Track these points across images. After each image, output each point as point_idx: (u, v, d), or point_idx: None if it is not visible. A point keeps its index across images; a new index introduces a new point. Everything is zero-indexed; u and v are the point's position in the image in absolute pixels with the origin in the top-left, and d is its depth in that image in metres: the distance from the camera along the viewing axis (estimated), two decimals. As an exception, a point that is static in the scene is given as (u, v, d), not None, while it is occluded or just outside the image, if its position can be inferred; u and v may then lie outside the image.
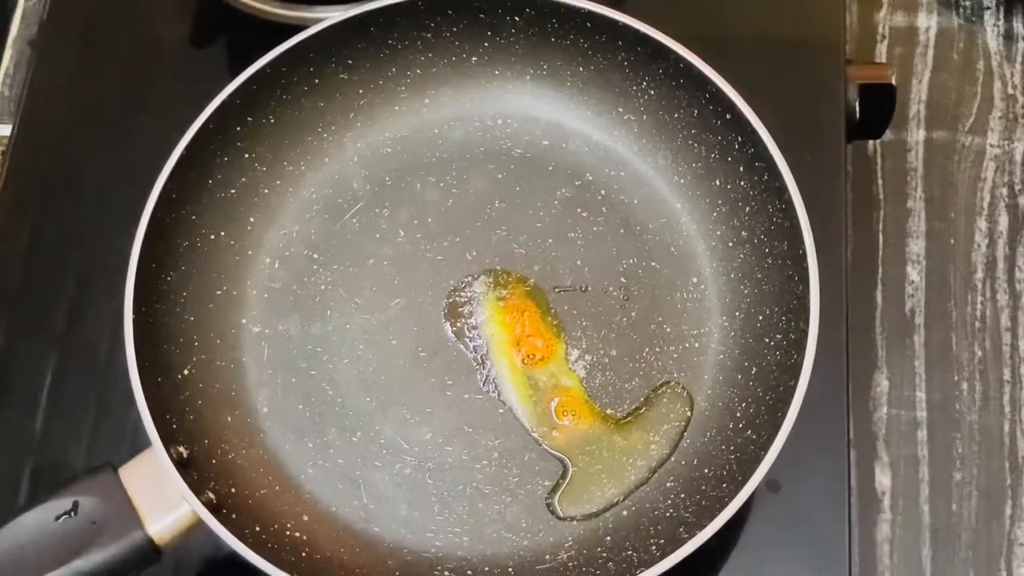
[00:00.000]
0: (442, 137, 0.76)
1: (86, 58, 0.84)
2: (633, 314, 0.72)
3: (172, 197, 0.69)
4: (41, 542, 0.61)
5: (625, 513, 0.67)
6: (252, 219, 0.74)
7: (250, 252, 0.73)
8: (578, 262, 0.73)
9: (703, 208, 0.73)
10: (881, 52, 0.86)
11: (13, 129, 0.82)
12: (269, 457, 0.69)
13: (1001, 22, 0.86)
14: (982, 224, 0.80)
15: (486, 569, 0.66)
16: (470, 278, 0.73)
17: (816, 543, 0.69)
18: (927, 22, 0.86)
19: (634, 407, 0.70)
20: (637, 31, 0.71)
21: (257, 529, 0.65)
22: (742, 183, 0.70)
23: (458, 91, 0.76)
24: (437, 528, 0.68)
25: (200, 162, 0.71)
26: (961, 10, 0.86)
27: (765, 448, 0.62)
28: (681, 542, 0.61)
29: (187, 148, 0.69)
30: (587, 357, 0.71)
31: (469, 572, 0.66)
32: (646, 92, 0.74)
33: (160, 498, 0.62)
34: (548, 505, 0.68)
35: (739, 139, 0.69)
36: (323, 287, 0.73)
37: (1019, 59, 0.85)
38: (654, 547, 0.64)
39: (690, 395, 0.70)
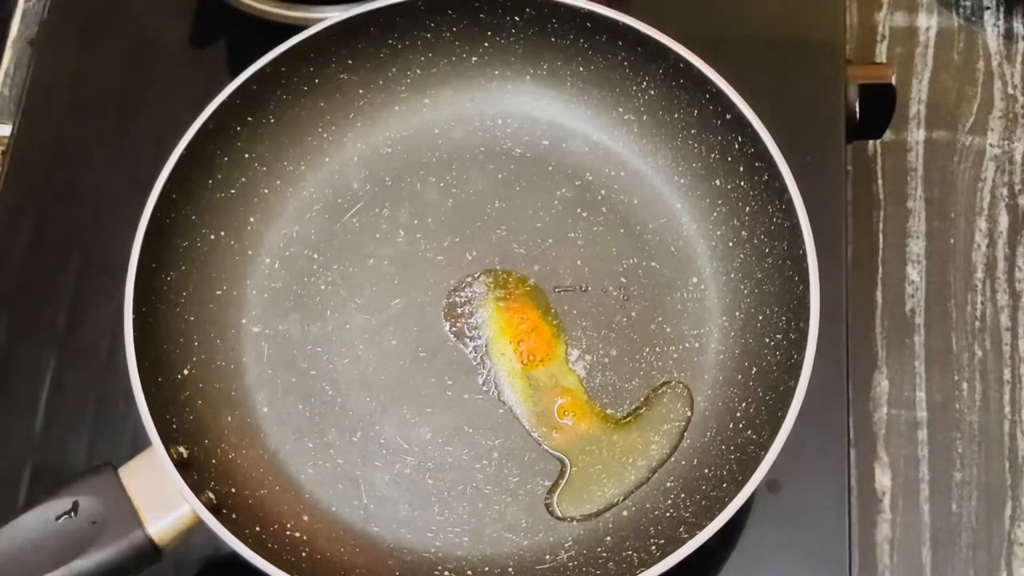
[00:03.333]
0: (442, 137, 0.76)
1: (86, 58, 0.84)
2: (633, 314, 0.72)
3: (172, 197, 0.69)
4: (41, 542, 0.61)
5: (625, 513, 0.67)
6: (252, 219, 0.74)
7: (250, 252, 0.73)
8: (578, 262, 0.73)
9: (703, 208, 0.73)
10: (881, 52, 0.86)
11: (13, 129, 0.82)
12: (269, 457, 0.69)
13: (1001, 22, 0.86)
14: (982, 224, 0.80)
15: (486, 569, 0.66)
16: (470, 278, 0.73)
17: (816, 543, 0.69)
18: (927, 22, 0.86)
19: (634, 407, 0.70)
20: (637, 31, 0.71)
21: (257, 529, 0.65)
22: (742, 183, 0.70)
23: (458, 91, 0.76)
24: (437, 528, 0.68)
25: (200, 162, 0.71)
26: (961, 10, 0.86)
27: (765, 448, 0.62)
28: (681, 542, 0.61)
29: (187, 148, 0.69)
30: (587, 357, 0.71)
31: (469, 572, 0.66)
32: (646, 92, 0.73)
33: (160, 498, 0.62)
34: (547, 505, 0.68)
35: (739, 139, 0.69)
36: (323, 287, 0.73)
37: (1019, 59, 0.85)
38: (654, 547, 0.64)
39: (690, 395, 0.70)
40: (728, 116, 0.69)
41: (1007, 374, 0.77)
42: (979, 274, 0.79)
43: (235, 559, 0.62)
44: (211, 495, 0.64)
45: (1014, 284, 0.79)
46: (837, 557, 0.69)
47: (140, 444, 0.64)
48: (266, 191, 0.74)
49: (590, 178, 0.75)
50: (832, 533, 0.69)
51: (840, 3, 0.82)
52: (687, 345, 0.71)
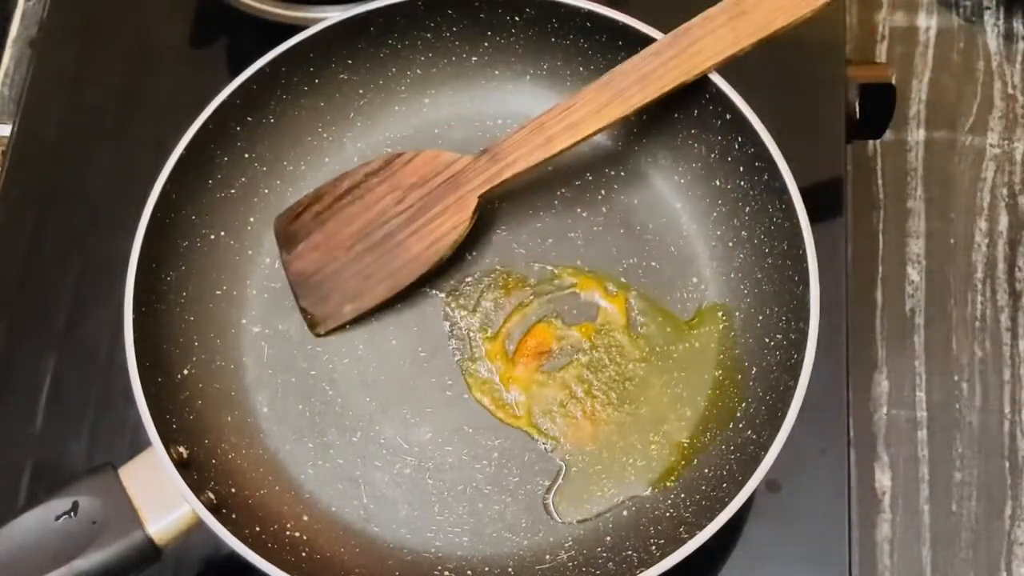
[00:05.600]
0: (442, 137, 0.76)
1: (86, 58, 0.84)
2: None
3: (172, 197, 0.69)
4: (41, 542, 0.61)
5: (625, 513, 0.67)
6: (252, 219, 0.74)
7: (250, 252, 0.73)
8: (578, 262, 0.73)
9: (703, 208, 0.73)
10: (881, 52, 0.86)
11: (13, 129, 0.82)
12: (269, 457, 0.69)
13: (1001, 22, 0.86)
14: (982, 224, 0.80)
15: (486, 569, 0.66)
16: (470, 278, 0.73)
17: (816, 543, 0.70)
18: (927, 22, 0.86)
19: (634, 407, 0.70)
20: (637, 31, 0.71)
21: (257, 529, 0.65)
22: (742, 183, 0.70)
23: (458, 91, 0.76)
24: (437, 528, 0.68)
25: (200, 162, 0.71)
26: (961, 10, 0.86)
27: (765, 448, 0.62)
28: (681, 542, 0.61)
29: (187, 148, 0.69)
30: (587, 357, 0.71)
31: (469, 572, 0.66)
32: (646, 92, 0.73)
33: (160, 498, 0.62)
34: (546, 506, 0.68)
35: (739, 139, 0.69)
36: (323, 287, 0.73)
37: (1019, 59, 0.85)
38: (654, 547, 0.64)
39: (691, 395, 0.69)
40: (728, 116, 0.69)
41: (1007, 374, 0.77)
42: (979, 274, 0.79)
43: (235, 559, 0.62)
44: (211, 495, 0.64)
45: (1014, 284, 0.79)
46: (837, 557, 0.69)
47: (140, 444, 0.64)
48: (266, 191, 0.74)
49: (590, 178, 0.74)
50: (832, 533, 0.69)
51: (840, 3, 0.82)
52: (687, 345, 0.71)
